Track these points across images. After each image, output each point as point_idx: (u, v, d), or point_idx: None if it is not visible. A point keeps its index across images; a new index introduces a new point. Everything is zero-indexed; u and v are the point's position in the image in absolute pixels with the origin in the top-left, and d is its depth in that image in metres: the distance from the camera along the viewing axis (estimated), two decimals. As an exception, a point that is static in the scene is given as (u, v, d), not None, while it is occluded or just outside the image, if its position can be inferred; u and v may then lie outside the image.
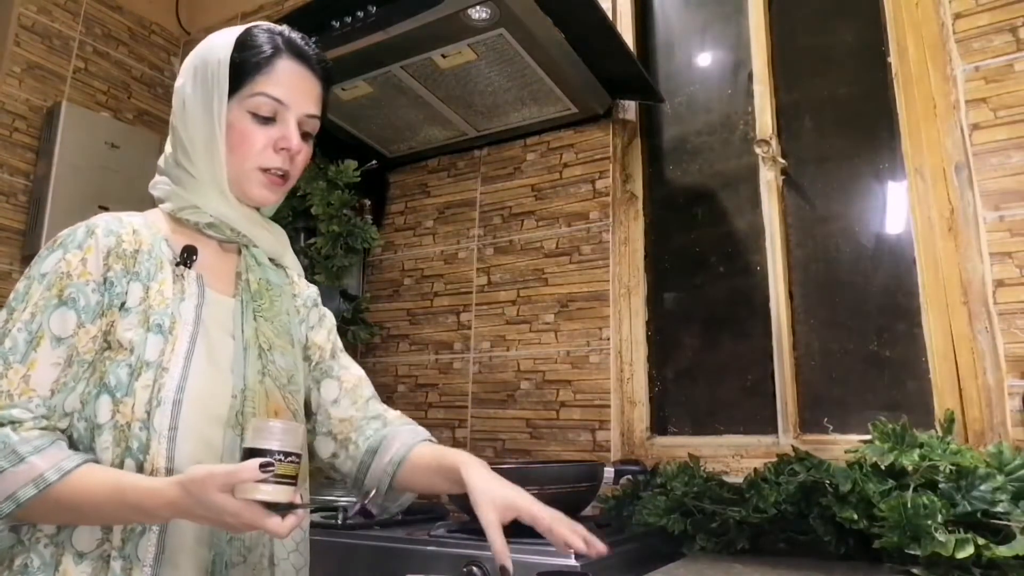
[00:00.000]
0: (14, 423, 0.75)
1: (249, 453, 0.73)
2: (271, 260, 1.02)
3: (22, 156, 2.26)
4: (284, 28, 0.96)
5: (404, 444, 0.99)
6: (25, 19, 2.30)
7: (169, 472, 0.78)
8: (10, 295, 0.83)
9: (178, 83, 0.94)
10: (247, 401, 0.86)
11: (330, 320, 1.10)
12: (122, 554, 0.77)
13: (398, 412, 1.07)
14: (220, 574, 0.82)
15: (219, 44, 0.92)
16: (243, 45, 0.92)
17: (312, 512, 1.51)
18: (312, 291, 1.10)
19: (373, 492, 0.98)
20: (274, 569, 0.87)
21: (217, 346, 0.88)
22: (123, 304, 0.83)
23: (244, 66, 0.90)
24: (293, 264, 1.07)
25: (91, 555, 0.77)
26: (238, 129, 0.90)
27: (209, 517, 0.72)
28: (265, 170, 0.92)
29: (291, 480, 0.73)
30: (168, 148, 0.96)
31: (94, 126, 2.35)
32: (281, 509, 0.72)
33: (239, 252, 0.98)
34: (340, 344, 1.10)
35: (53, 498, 0.74)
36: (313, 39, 0.97)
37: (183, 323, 0.85)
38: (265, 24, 0.97)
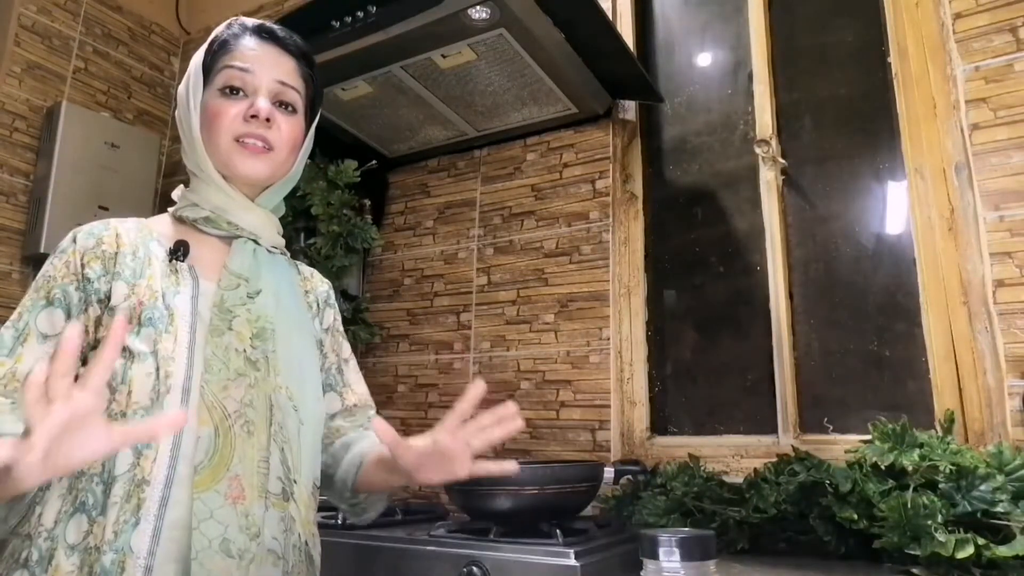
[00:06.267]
0: None
1: None
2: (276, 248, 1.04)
3: (22, 156, 2.26)
4: (260, 21, 0.99)
5: (372, 442, 1.02)
6: (25, 19, 2.30)
7: (172, 456, 0.82)
8: None
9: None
10: None
11: (339, 323, 1.13)
12: (113, 547, 0.77)
13: None
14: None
15: (202, 46, 0.97)
16: (215, 37, 0.97)
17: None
18: (324, 288, 1.13)
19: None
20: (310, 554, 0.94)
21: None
22: (108, 303, 0.86)
23: (214, 54, 0.96)
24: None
25: (79, 547, 0.77)
26: (210, 107, 0.94)
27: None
28: (240, 140, 0.93)
29: None
30: None
31: (94, 126, 2.35)
32: None
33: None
34: (346, 352, 1.13)
35: None
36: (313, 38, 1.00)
37: (180, 315, 0.88)
38: (245, 19, 0.99)
